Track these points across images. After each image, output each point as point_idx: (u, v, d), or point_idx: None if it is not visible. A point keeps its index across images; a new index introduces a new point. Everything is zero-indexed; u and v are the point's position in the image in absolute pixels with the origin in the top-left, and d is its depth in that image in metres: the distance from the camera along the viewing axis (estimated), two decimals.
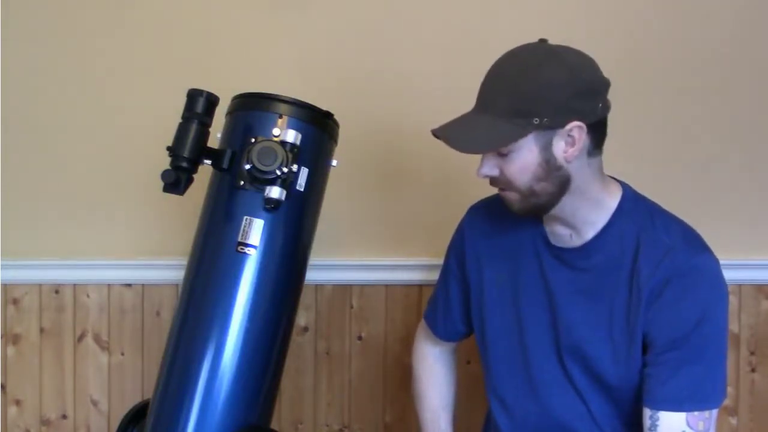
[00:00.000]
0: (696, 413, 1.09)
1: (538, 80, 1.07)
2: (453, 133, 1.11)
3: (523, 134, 1.07)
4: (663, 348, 1.12)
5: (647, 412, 1.12)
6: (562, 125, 1.07)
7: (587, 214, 1.16)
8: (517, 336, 1.24)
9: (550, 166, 1.10)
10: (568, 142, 1.09)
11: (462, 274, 1.33)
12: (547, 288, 1.21)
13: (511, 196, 1.14)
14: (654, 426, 1.11)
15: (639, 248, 1.14)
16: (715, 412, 1.11)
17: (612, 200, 1.17)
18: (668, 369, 1.11)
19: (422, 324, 1.45)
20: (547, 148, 1.09)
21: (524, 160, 1.09)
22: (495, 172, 1.13)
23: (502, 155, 1.10)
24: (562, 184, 1.11)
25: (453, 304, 1.36)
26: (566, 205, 1.14)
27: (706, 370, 1.11)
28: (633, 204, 1.18)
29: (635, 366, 1.14)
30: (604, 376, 1.17)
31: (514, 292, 1.24)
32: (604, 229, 1.16)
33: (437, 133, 1.12)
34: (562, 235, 1.19)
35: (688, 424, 1.09)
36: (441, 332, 1.40)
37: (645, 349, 1.14)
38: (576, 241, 1.18)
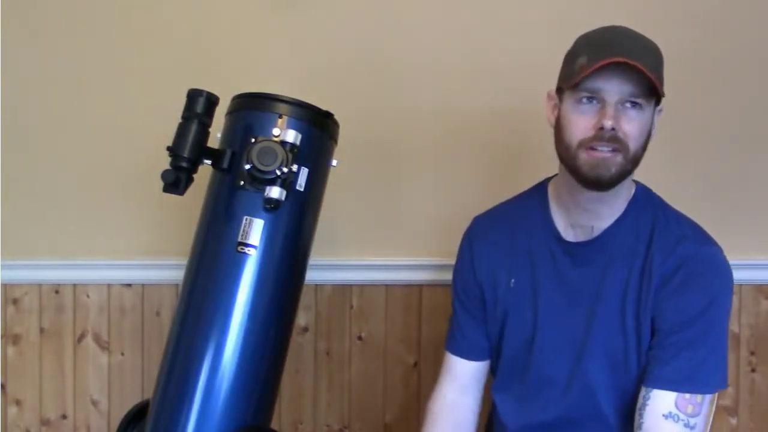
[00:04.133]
0: (687, 396, 1.10)
1: (659, 53, 1.12)
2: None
3: (661, 92, 1.10)
4: (668, 332, 1.13)
5: (642, 391, 1.13)
6: (659, 102, 1.13)
7: (618, 203, 1.18)
8: (531, 333, 1.23)
9: (648, 138, 1.13)
10: (656, 120, 1.14)
11: (476, 293, 1.30)
12: (562, 285, 1.21)
13: (616, 159, 1.10)
14: (644, 405, 1.11)
15: (653, 236, 1.16)
16: (708, 397, 1.11)
17: (630, 190, 1.21)
18: (670, 350, 1.12)
19: (443, 368, 1.33)
20: (652, 120, 1.13)
21: (646, 121, 1.11)
22: (617, 126, 1.08)
23: (636, 108, 1.09)
24: (639, 162, 1.14)
25: (470, 329, 1.31)
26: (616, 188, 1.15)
27: (706, 354, 1.12)
28: (646, 194, 1.22)
29: (645, 359, 1.15)
30: (617, 370, 1.17)
31: (533, 293, 1.23)
32: (620, 219, 1.19)
33: (613, 55, 1.06)
34: (584, 227, 1.20)
35: (676, 406, 1.09)
36: (464, 350, 1.32)
37: (653, 335, 1.15)
38: (595, 232, 1.19)
